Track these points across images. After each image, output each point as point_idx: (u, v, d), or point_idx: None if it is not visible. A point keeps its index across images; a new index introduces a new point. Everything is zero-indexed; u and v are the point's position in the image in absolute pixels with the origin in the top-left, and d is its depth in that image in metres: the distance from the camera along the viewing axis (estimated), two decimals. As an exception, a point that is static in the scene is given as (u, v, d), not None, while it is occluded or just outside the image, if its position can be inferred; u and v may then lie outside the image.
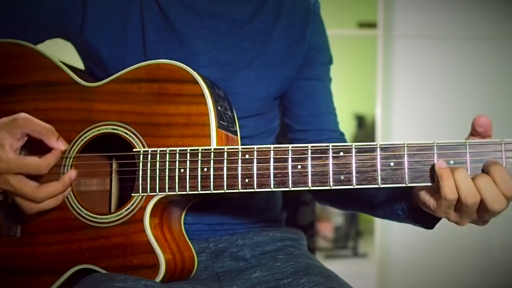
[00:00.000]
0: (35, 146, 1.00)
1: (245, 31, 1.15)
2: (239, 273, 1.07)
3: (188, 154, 0.94)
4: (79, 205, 1.01)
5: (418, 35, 3.14)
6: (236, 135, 1.03)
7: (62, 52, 1.18)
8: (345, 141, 1.24)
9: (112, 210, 1.07)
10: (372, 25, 3.16)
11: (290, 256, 1.12)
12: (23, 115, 0.97)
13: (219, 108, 0.98)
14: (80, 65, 1.19)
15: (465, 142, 0.80)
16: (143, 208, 0.97)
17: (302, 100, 1.22)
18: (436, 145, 0.81)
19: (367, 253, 4.38)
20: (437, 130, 3.13)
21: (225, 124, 0.99)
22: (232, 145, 1.01)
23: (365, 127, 3.50)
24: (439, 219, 0.94)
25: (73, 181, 1.00)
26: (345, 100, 3.40)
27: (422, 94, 3.16)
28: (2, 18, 1.13)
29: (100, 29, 1.11)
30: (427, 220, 0.96)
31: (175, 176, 0.94)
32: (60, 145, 0.99)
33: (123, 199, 1.04)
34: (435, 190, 0.84)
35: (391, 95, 3.14)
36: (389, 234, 3.11)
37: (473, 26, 3.13)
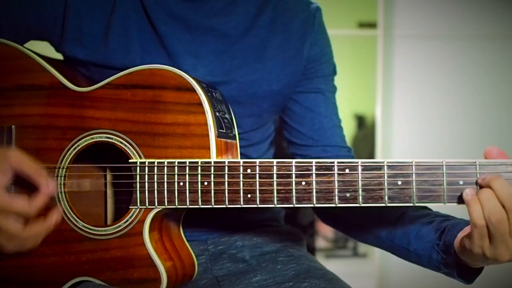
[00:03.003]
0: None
1: (238, 48, 1.10)
2: (239, 277, 1.06)
3: (187, 168, 0.92)
4: (75, 217, 0.99)
5: (418, 35, 3.12)
6: (235, 139, 1.01)
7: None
8: (353, 157, 1.18)
9: (109, 221, 1.05)
10: (372, 25, 3.15)
11: (290, 258, 1.10)
12: (15, 152, 0.94)
13: (217, 114, 0.96)
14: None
15: (475, 162, 0.78)
16: (141, 221, 0.95)
17: (302, 114, 1.16)
18: (446, 165, 0.78)
19: (367, 253, 4.38)
20: (437, 130, 3.12)
21: (224, 131, 0.97)
22: (231, 151, 0.98)
23: (365, 127, 3.50)
24: (480, 270, 0.92)
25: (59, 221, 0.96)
26: (345, 100, 3.39)
27: (422, 94, 3.15)
28: None
29: (80, 40, 1.07)
30: (468, 273, 0.93)
31: (174, 189, 0.92)
32: (50, 187, 0.94)
33: (120, 209, 1.02)
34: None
35: (391, 95, 3.13)
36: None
37: (473, 26, 3.12)
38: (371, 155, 3.81)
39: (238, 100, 1.08)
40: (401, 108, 3.15)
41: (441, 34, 3.12)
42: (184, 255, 1.01)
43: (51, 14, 1.07)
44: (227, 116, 1.00)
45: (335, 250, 4.57)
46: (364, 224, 1.08)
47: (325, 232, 4.48)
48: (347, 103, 3.08)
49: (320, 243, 4.40)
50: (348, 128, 3.69)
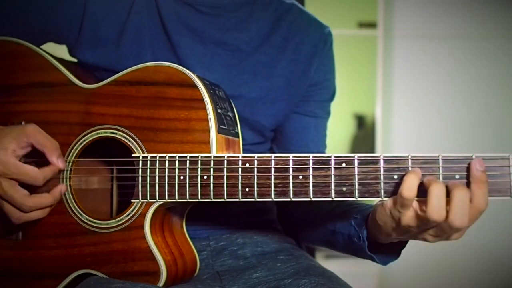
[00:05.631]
0: (36, 159, 0.99)
1: (247, 63, 1.12)
2: (239, 272, 1.07)
3: (188, 162, 0.93)
4: (79, 210, 1.01)
5: (418, 35, 3.12)
6: (238, 137, 1.02)
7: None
8: None
9: (114, 215, 1.07)
10: (372, 25, 3.14)
11: (290, 257, 1.11)
12: (33, 125, 0.98)
13: (219, 111, 0.97)
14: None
15: (471, 156, 0.78)
16: (143, 215, 0.96)
17: (291, 134, 1.19)
18: (442, 159, 0.79)
19: None
20: (437, 130, 3.12)
21: (226, 128, 0.98)
22: (233, 149, 0.99)
23: (365, 127, 3.49)
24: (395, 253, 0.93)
25: (63, 194, 1.00)
26: (345, 100, 3.38)
27: (422, 94, 3.15)
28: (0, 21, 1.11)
29: (94, 45, 1.09)
30: (383, 250, 0.94)
31: (174, 183, 0.93)
32: (59, 163, 0.99)
33: (124, 203, 1.03)
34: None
35: (391, 95, 3.13)
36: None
37: (473, 26, 3.12)
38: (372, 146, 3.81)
39: (243, 116, 1.10)
40: (401, 108, 3.15)
41: (441, 34, 3.12)
42: (186, 252, 1.01)
43: (69, 17, 1.09)
44: (229, 114, 1.01)
45: None
46: (311, 217, 1.11)
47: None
48: (347, 103, 3.08)
49: None
50: (348, 128, 3.69)
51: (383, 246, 0.94)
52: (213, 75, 1.09)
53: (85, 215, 1.00)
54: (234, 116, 1.03)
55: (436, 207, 0.77)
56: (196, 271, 1.04)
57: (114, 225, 0.97)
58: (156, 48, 1.09)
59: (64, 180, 1.02)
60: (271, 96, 1.13)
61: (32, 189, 0.98)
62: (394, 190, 0.81)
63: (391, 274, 3.19)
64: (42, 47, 1.11)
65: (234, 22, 1.11)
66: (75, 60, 1.14)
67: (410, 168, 0.81)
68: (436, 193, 0.77)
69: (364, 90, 3.14)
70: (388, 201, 0.82)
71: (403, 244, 0.94)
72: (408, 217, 0.81)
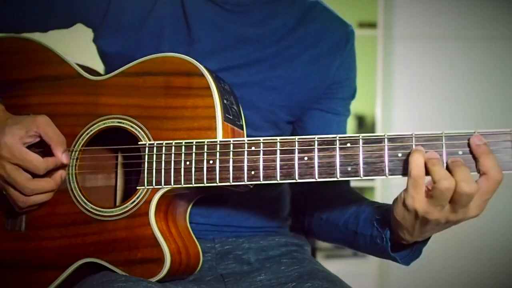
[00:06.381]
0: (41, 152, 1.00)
1: (267, 54, 1.12)
2: (243, 275, 1.07)
3: (194, 147, 0.94)
4: (84, 199, 1.01)
5: (418, 35, 3.13)
6: (242, 129, 1.03)
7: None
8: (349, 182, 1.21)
9: (118, 204, 1.06)
10: (372, 25, 3.15)
11: (294, 260, 1.11)
12: (43, 117, 0.99)
13: (225, 102, 0.97)
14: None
15: (474, 132, 0.80)
16: (148, 202, 0.96)
17: (313, 131, 1.19)
18: (445, 135, 0.80)
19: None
20: (437, 130, 3.12)
21: (231, 117, 0.99)
22: None
23: (365, 127, 3.50)
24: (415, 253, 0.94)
25: (63, 179, 1.01)
26: None
27: (422, 94, 3.15)
28: (28, 5, 1.12)
29: (117, 31, 1.10)
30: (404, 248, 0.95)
31: (180, 168, 0.94)
32: (64, 157, 1.00)
33: (129, 193, 1.03)
34: None
35: (391, 95, 3.13)
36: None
37: (473, 26, 3.13)
38: None
39: (257, 105, 1.11)
40: (401, 108, 3.16)
41: (441, 34, 3.13)
42: (190, 244, 1.01)
43: (96, 2, 1.10)
44: (234, 107, 1.02)
45: (335, 250, 4.53)
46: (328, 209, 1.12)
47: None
48: None
49: (321, 243, 4.37)
50: (348, 128, 3.69)
51: (405, 246, 0.94)
52: (231, 66, 1.10)
53: (90, 204, 1.00)
54: (239, 111, 1.04)
55: (443, 175, 0.78)
56: (198, 267, 1.03)
57: (119, 212, 0.97)
58: (173, 40, 1.10)
59: (70, 168, 1.03)
60: (288, 88, 1.14)
61: (34, 177, 0.98)
62: (399, 168, 0.82)
63: (391, 274, 3.18)
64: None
65: (258, 19, 1.12)
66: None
67: (414, 146, 0.81)
68: (436, 162, 0.79)
69: (364, 90, 3.13)
70: (401, 193, 0.83)
71: (424, 243, 0.94)
72: (422, 201, 0.81)
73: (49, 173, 1.00)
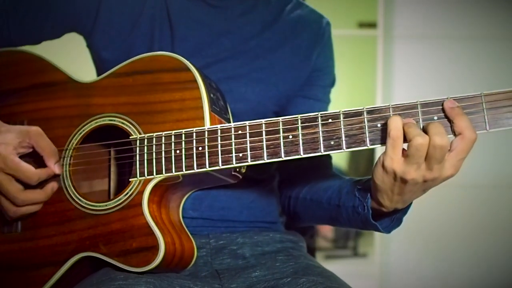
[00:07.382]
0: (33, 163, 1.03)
1: (250, 47, 1.18)
2: (238, 271, 1.08)
3: (183, 135, 0.97)
4: (78, 195, 1.03)
5: (418, 35, 3.12)
6: (229, 122, 1.06)
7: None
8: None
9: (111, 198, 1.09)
10: (372, 25, 3.14)
11: (289, 257, 1.13)
12: (37, 128, 1.03)
13: (211, 95, 1.01)
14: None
15: (447, 98, 0.84)
16: (141, 192, 0.98)
17: None
18: (420, 103, 0.85)
19: (367, 253, 4.31)
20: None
21: (218, 109, 1.02)
22: None
23: (365, 126, 3.51)
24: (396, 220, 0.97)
25: (54, 192, 1.04)
26: (345, 100, 3.39)
27: (422, 94, 3.14)
28: (21, 15, 1.16)
29: (108, 33, 1.15)
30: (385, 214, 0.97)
31: (171, 157, 0.97)
32: (56, 168, 1.03)
33: (122, 186, 1.05)
34: None
35: (391, 95, 3.13)
36: (389, 234, 3.05)
37: (473, 27, 3.12)
38: (371, 155, 3.81)
39: (246, 97, 1.16)
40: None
41: (441, 34, 3.12)
42: (184, 238, 1.02)
43: (86, 6, 1.15)
44: (221, 102, 1.05)
45: (335, 250, 4.48)
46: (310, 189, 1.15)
47: (325, 232, 4.41)
48: (347, 103, 3.08)
49: (320, 243, 4.31)
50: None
51: (386, 215, 0.97)
52: (217, 60, 1.15)
53: (84, 200, 1.02)
54: (226, 107, 1.07)
55: (418, 132, 0.82)
56: (192, 261, 1.03)
57: (112, 205, 1.00)
58: (162, 41, 1.15)
59: (64, 166, 1.05)
60: (273, 79, 1.20)
61: (26, 186, 1.01)
62: (378, 138, 0.86)
63: (391, 274, 3.13)
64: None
65: (239, 13, 1.19)
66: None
67: (391, 115, 0.86)
68: (412, 125, 0.83)
69: (364, 90, 3.13)
70: (380, 156, 0.87)
71: (404, 212, 0.97)
72: (399, 161, 0.85)
73: (41, 183, 1.02)
